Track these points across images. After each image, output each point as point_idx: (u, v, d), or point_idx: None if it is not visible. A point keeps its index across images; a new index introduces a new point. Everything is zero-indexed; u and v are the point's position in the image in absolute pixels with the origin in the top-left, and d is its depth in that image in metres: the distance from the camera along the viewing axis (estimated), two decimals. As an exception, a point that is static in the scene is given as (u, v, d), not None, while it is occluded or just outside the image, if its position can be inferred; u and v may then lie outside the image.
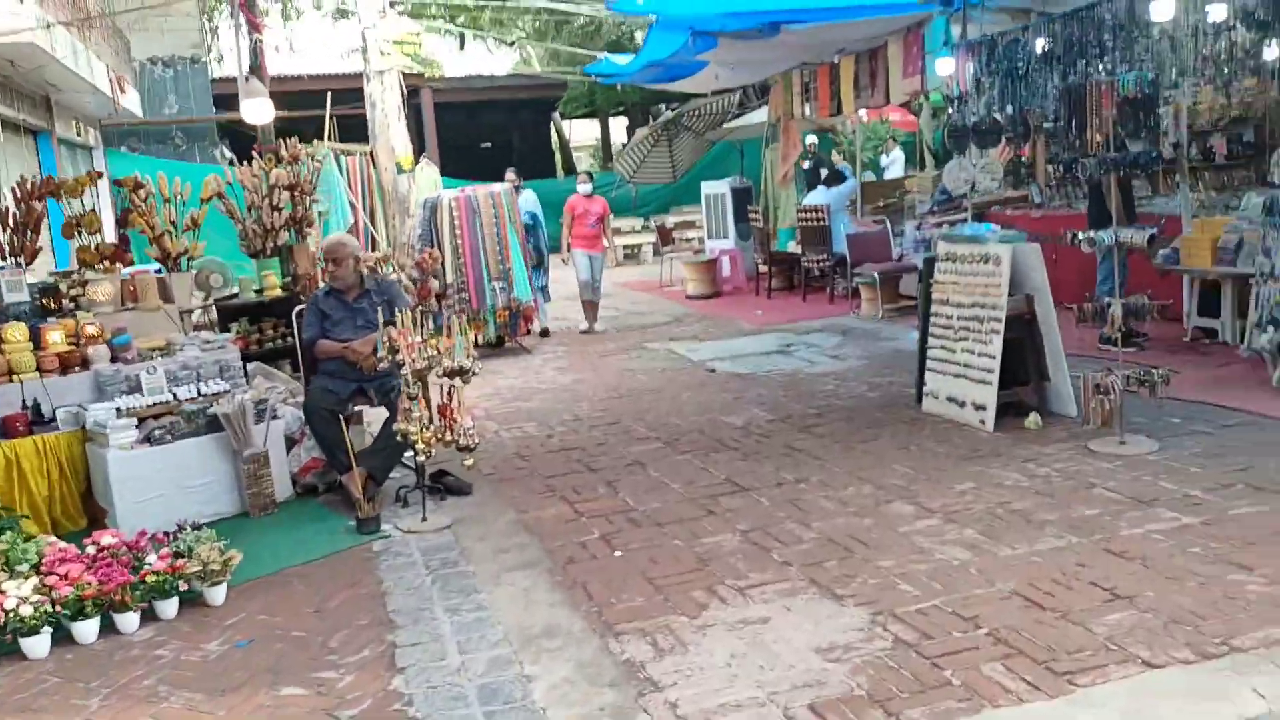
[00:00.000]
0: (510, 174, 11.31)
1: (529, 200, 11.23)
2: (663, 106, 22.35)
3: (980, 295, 6.10)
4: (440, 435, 4.98)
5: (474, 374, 5.02)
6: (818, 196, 12.09)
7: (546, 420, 7.39)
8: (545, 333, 11.30)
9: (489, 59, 28.70)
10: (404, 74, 13.29)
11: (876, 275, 10.41)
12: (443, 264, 9.30)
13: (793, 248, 12.97)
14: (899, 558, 4.22)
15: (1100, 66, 7.67)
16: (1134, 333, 7.12)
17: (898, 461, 5.61)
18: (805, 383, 7.96)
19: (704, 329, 11.09)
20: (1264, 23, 7.12)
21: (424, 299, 5.22)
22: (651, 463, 6.01)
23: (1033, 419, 6.00)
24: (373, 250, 10.91)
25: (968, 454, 5.63)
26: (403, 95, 11.41)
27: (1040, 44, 8.76)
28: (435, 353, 4.90)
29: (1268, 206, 7.33)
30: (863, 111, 14.62)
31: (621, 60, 13.39)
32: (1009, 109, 9.14)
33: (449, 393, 4.99)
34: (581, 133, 34.62)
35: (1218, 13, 7.64)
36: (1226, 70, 7.60)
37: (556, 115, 27.80)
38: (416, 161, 14.09)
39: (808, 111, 13.91)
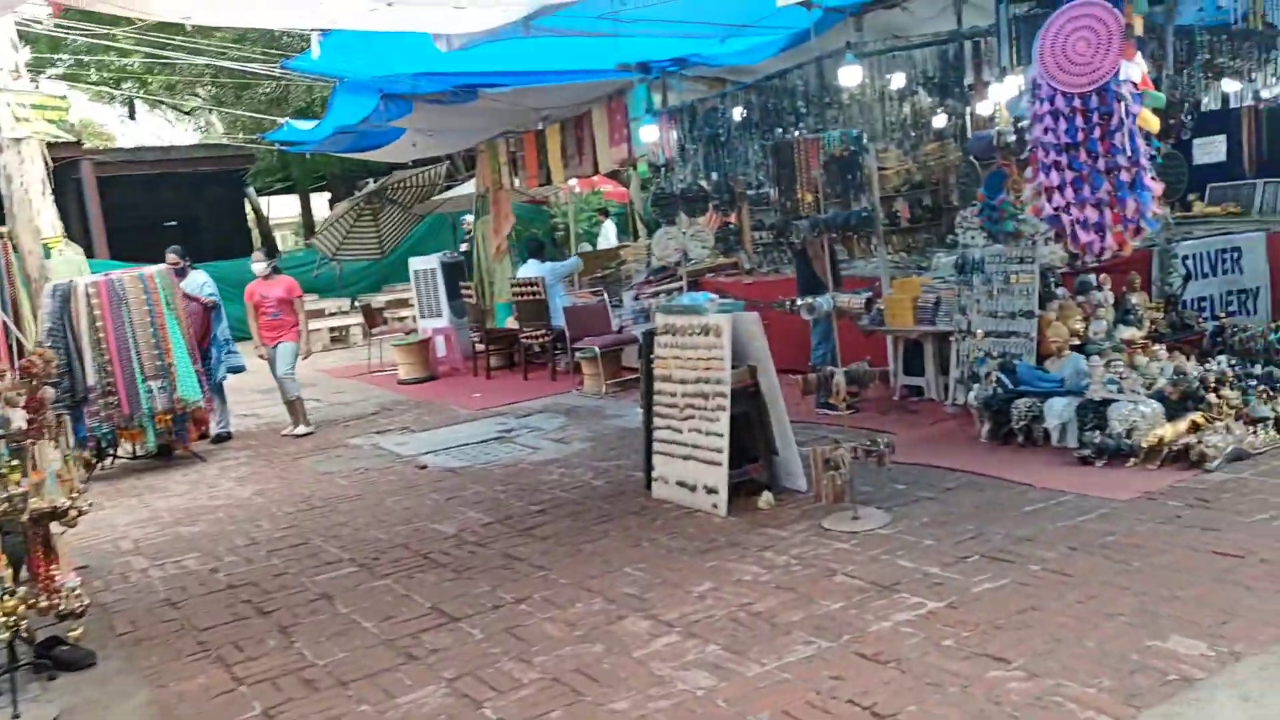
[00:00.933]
0: (171, 254, 9.90)
1: (196, 283, 9.88)
2: (370, 180, 21.36)
3: (703, 369, 5.73)
4: (30, 601, 3.86)
5: (80, 513, 3.96)
6: (531, 269, 11.61)
7: (213, 549, 6.23)
8: (223, 437, 9.95)
9: (170, 129, 26.46)
10: (53, 143, 11.61)
11: (597, 349, 10.01)
12: (81, 363, 7.90)
13: (511, 324, 12.41)
14: (636, 694, 3.61)
15: (798, 131, 7.71)
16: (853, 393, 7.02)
17: (630, 563, 5.05)
18: (527, 474, 7.31)
19: (416, 417, 10.22)
20: (943, 87, 7.38)
21: (34, 412, 4.09)
22: (341, 595, 5.10)
23: (765, 498, 5.66)
24: (16, 355, 9.20)
25: (704, 546, 5.17)
26: (48, 167, 9.82)
27: (738, 111, 8.80)
28: (16, 491, 3.80)
29: (959, 265, 7.57)
30: (574, 181, 14.45)
31: (305, 126, 12.38)
32: (714, 176, 9.11)
33: (42, 542, 3.89)
34: (283, 208, 32.74)
35: (899, 80, 7.91)
36: (912, 134, 7.85)
37: (251, 190, 25.97)
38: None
39: (517, 182, 13.50)
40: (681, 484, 5.83)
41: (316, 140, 12.33)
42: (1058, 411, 6.18)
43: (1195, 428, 5.75)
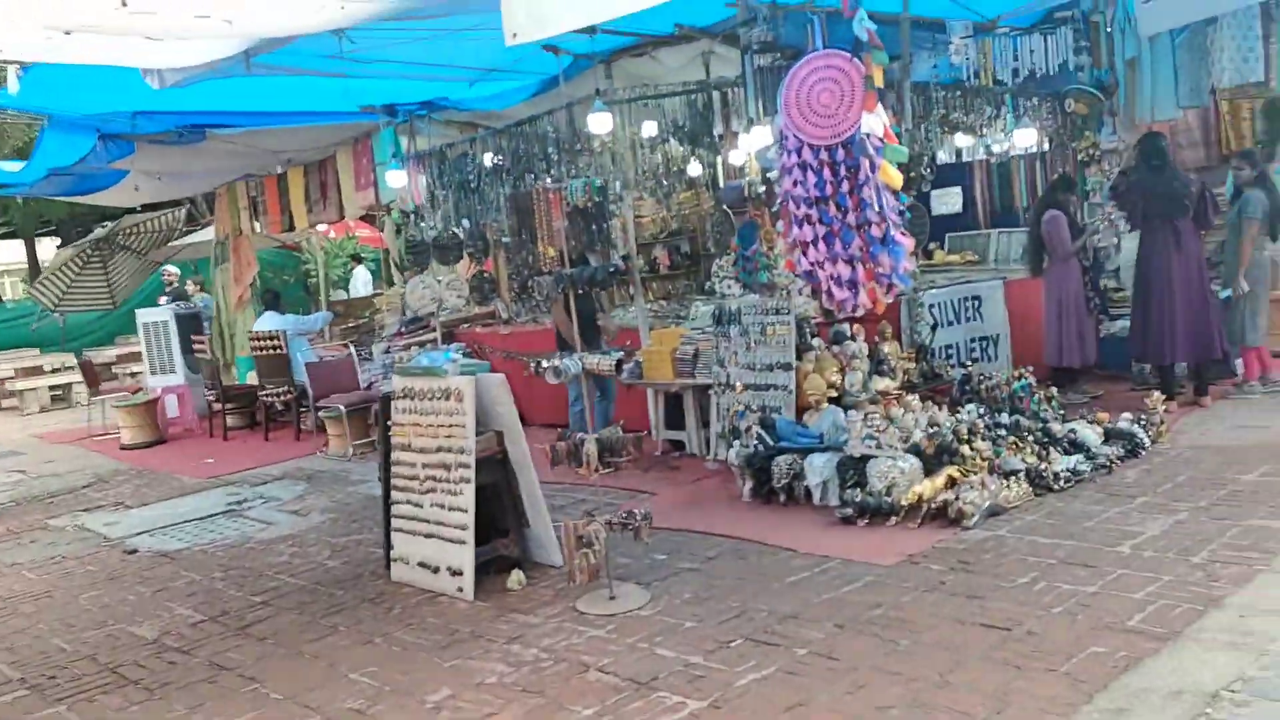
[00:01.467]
0: None
1: None
2: (106, 223, 19.36)
3: (445, 437, 5.16)
4: None
5: None
6: (269, 321, 10.65)
7: None
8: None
9: None
10: None
11: (342, 408, 9.20)
12: None
13: (252, 379, 11.34)
14: None
15: (548, 178, 7.34)
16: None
17: (358, 667, 4.39)
18: (254, 555, 6.46)
19: (135, 490, 9.04)
20: (693, 136, 7.23)
21: None
22: (-9, 738, 4.17)
23: (516, 577, 5.14)
24: None
25: (445, 640, 4.58)
26: None
27: (489, 157, 8.36)
28: None
29: (716, 316, 7.39)
30: (323, 226, 13.52)
31: (13, 167, 10.94)
32: (465, 223, 8.60)
33: None
34: (8, 254, 29.65)
35: (651, 128, 7.71)
36: (665, 183, 7.66)
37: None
38: None
39: (258, 227, 12.49)
40: (424, 565, 5.22)
41: (27, 183, 10.94)
42: (818, 469, 6.03)
43: (952, 483, 5.72)
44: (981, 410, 7.04)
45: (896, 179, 5.05)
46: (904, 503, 5.53)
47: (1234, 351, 7.74)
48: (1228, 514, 5.06)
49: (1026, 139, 10.08)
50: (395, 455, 5.41)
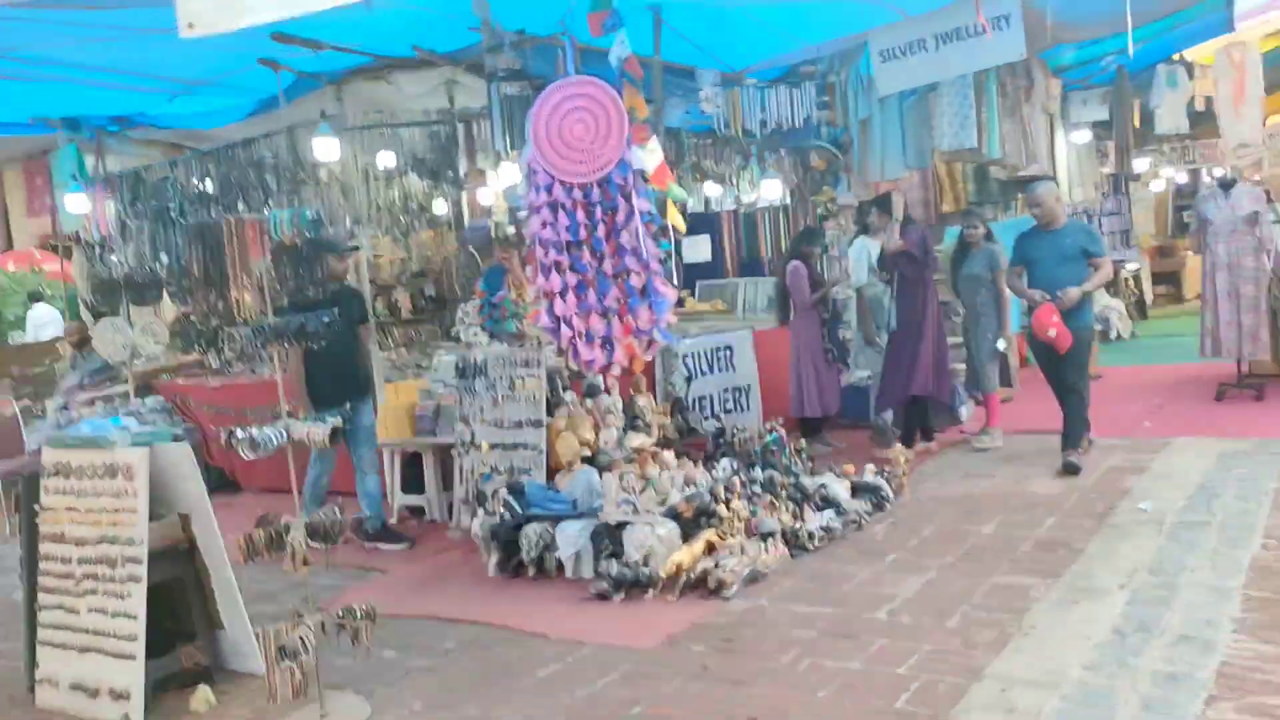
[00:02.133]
0: None
1: None
2: None
3: (109, 525, 4.14)
4: None
5: None
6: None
7: None
8: None
9: None
10: None
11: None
12: None
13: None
14: None
15: (265, 209, 6.41)
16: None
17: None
18: None
19: None
20: (434, 171, 6.54)
21: None
22: None
23: (203, 696, 4.16)
24: None
25: (98, 788, 3.58)
26: None
27: (195, 182, 7.29)
28: None
29: (460, 368, 6.71)
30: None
31: None
32: (164, 257, 7.45)
33: None
34: None
35: (387, 159, 6.95)
36: (403, 219, 6.91)
37: None
38: None
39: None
40: (79, 688, 4.14)
41: None
42: (571, 539, 5.43)
43: (711, 548, 5.30)
44: (736, 465, 6.73)
45: (681, 223, 4.60)
46: (662, 574, 5.03)
47: (979, 399, 7.97)
48: (972, 570, 4.94)
49: (772, 191, 10.12)
50: (44, 548, 4.30)
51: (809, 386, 8.06)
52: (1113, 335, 11.94)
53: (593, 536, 5.37)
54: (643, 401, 6.88)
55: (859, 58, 8.28)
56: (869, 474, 6.50)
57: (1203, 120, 11.48)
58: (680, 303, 10.55)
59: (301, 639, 3.74)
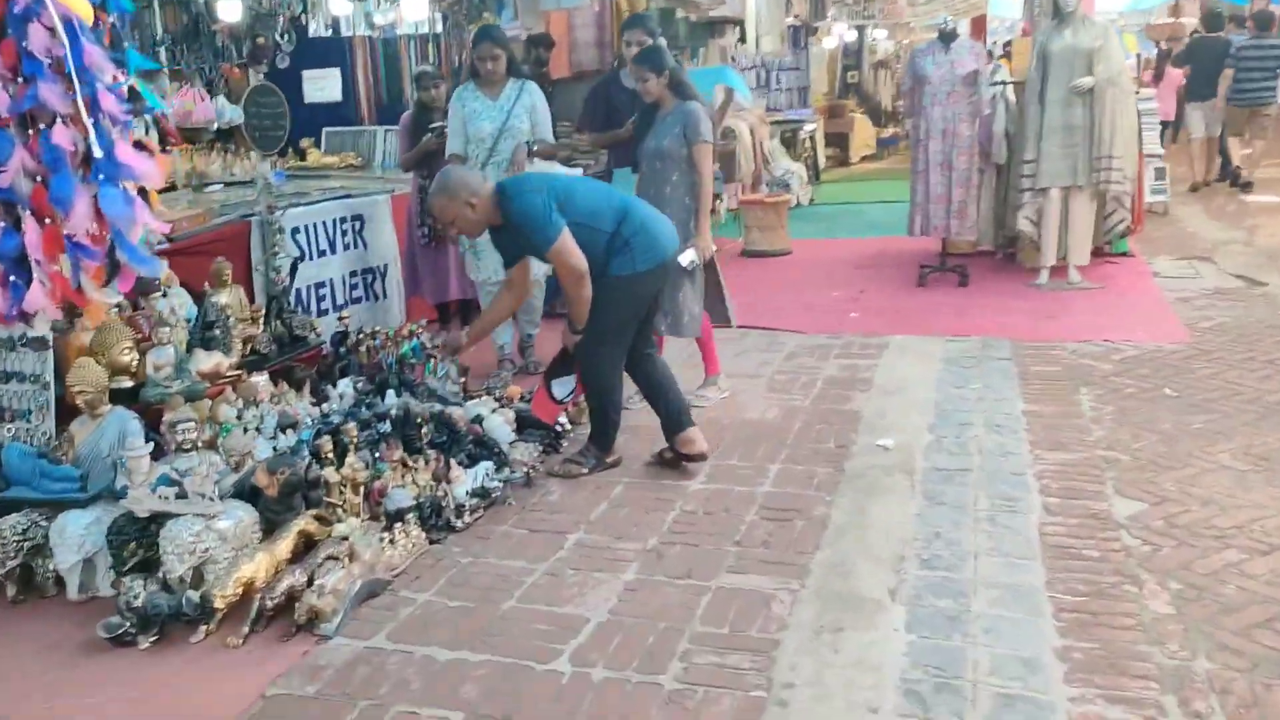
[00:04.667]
0: None
1: None
2: None
3: None
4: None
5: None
6: None
7: None
8: None
9: None
10: None
11: None
12: None
13: None
14: None
15: None
16: None
17: None
18: None
19: None
20: None
21: None
22: None
23: None
24: None
25: None
26: None
27: None
28: None
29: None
30: None
31: None
32: None
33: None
34: None
35: None
36: None
37: None
38: None
39: None
40: None
41: None
42: (73, 540, 3.39)
43: (308, 544, 3.49)
44: (361, 386, 4.89)
45: (85, 8, 2.57)
46: (221, 602, 3.16)
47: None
48: (687, 563, 3.52)
49: (416, 11, 7.97)
50: None
51: (440, 266, 6.28)
52: (794, 203, 11.06)
53: (111, 536, 3.36)
54: (223, 299, 4.78)
55: None
56: (539, 398, 4.90)
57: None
58: (301, 154, 8.29)
59: None
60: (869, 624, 3.10)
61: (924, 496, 3.96)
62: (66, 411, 3.89)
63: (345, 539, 3.45)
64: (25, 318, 3.21)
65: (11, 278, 3.10)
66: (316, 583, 3.19)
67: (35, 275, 3.07)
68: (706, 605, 3.24)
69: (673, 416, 4.30)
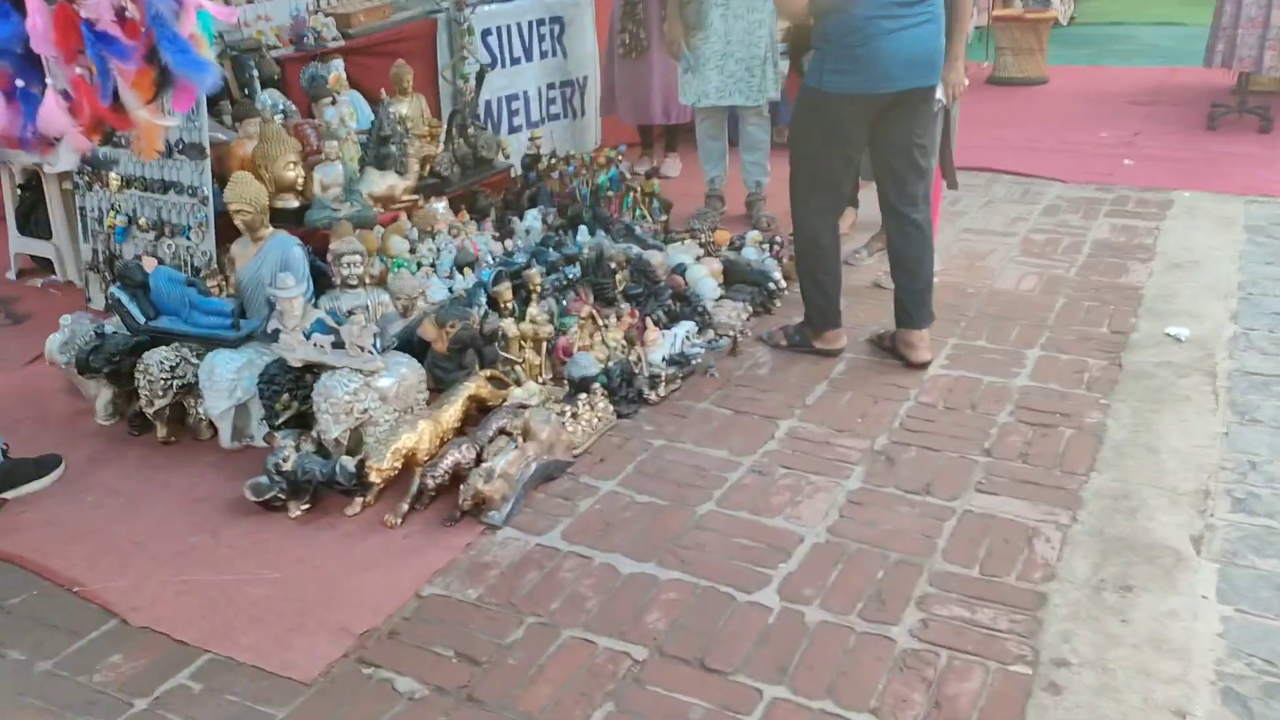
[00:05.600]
0: None
1: None
2: None
3: None
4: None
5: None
6: None
7: None
8: None
9: None
10: None
11: None
12: None
13: None
14: None
15: None
16: None
17: None
18: None
19: None
20: None
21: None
22: None
23: None
24: None
25: None
26: None
27: None
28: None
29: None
30: None
31: None
32: None
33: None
34: None
35: None
36: None
37: None
38: None
39: None
40: None
41: None
42: (223, 387, 3.01)
43: (481, 409, 3.01)
44: (550, 217, 4.33)
45: None
46: (377, 476, 2.73)
47: None
48: (922, 474, 2.82)
49: None
50: None
51: (618, 82, 5.53)
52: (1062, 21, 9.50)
53: (263, 385, 2.96)
54: (402, 109, 4.24)
55: None
56: (752, 244, 4.20)
57: None
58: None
59: None
60: (1167, 584, 2.38)
61: (1231, 410, 3.10)
62: (227, 230, 3.49)
63: (522, 408, 2.94)
64: (47, 143, 2.32)
65: (20, 82, 2.24)
66: (485, 465, 2.70)
67: (49, 81, 2.23)
68: (950, 535, 2.58)
69: (903, 306, 3.48)
